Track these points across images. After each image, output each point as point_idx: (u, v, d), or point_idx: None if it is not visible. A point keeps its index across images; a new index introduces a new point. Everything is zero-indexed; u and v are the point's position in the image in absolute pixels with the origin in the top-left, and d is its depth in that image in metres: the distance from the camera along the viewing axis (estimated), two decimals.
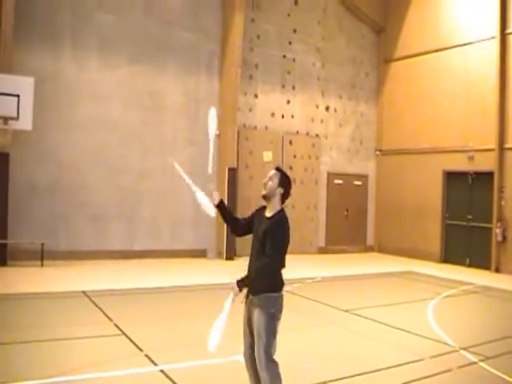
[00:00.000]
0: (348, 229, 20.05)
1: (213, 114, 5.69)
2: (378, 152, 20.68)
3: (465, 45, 17.40)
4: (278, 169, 5.09)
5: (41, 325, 8.20)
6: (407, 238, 19.12)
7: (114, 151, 15.26)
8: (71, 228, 14.60)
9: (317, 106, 19.27)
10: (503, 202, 16.18)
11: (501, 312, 11.16)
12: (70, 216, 14.60)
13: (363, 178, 20.58)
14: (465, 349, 7.80)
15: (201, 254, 16.25)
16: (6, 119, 12.67)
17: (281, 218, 4.87)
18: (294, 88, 18.68)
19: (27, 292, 10.49)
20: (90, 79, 14.95)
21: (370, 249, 20.52)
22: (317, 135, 19.26)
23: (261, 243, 4.80)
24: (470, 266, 16.99)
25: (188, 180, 5.37)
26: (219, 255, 16.51)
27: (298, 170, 18.56)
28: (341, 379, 6.36)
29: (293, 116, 18.66)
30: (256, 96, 17.84)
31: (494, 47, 16.40)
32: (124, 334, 7.84)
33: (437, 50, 18.35)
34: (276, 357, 4.78)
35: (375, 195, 20.73)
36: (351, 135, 20.23)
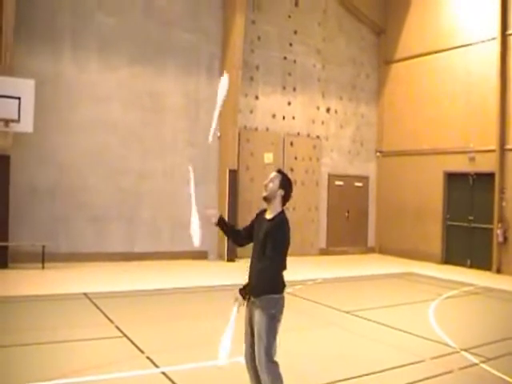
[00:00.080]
0: (349, 230, 20.04)
1: (224, 82, 5.75)
2: (378, 153, 20.68)
3: (465, 46, 17.39)
4: (279, 171, 5.10)
5: (41, 327, 8.19)
6: (408, 239, 19.11)
7: (114, 152, 15.26)
8: (72, 230, 14.60)
9: (317, 108, 19.28)
10: (504, 203, 16.17)
11: (502, 313, 11.15)
12: (71, 218, 14.60)
13: (364, 179, 20.57)
14: (466, 350, 7.79)
15: (202, 255, 16.23)
16: (7, 121, 12.69)
17: (281, 220, 4.88)
18: (294, 89, 18.68)
19: (28, 294, 10.49)
20: (90, 80, 14.96)
21: (370, 250, 20.51)
22: (317, 137, 19.26)
23: (262, 245, 4.80)
24: (471, 267, 16.98)
25: (193, 196, 5.29)
26: (220, 257, 16.50)
27: (299, 172, 18.56)
28: (342, 380, 6.36)
29: (294, 117, 18.66)
30: (257, 97, 17.84)
31: (494, 48, 16.39)
32: (125, 335, 7.84)
33: (437, 51, 18.34)
34: (277, 358, 4.78)
35: (376, 196, 20.72)
36: (352, 137, 20.23)
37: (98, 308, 9.56)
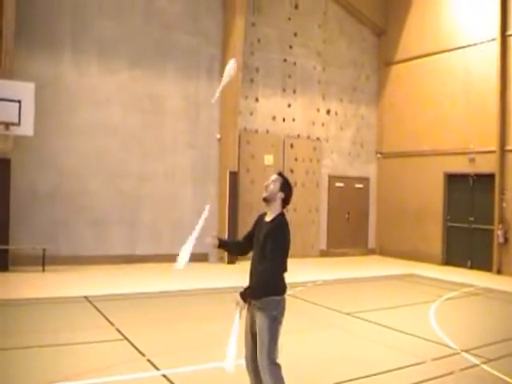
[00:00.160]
0: (349, 232, 20.05)
1: (232, 65, 5.94)
2: (378, 155, 20.68)
3: (465, 47, 17.40)
4: (280, 174, 5.11)
5: (43, 330, 8.20)
6: (409, 240, 19.11)
7: (114, 156, 15.27)
8: (72, 233, 14.61)
9: (318, 110, 19.29)
10: (504, 204, 16.17)
11: (502, 314, 11.15)
12: (71, 221, 14.61)
13: (364, 180, 20.58)
14: (467, 351, 7.79)
15: (202, 258, 16.21)
16: (7, 125, 12.71)
17: (281, 222, 4.89)
18: (294, 92, 18.70)
19: (29, 297, 10.50)
20: (90, 84, 14.98)
21: (371, 252, 20.50)
22: (318, 138, 19.27)
23: (262, 247, 4.80)
24: (471, 268, 16.98)
25: (199, 226, 5.26)
26: (221, 259, 16.50)
27: (300, 174, 18.57)
28: (342, 382, 6.36)
29: (294, 119, 18.68)
30: (257, 100, 17.86)
31: (494, 49, 16.40)
32: (126, 338, 7.84)
33: (437, 53, 18.35)
34: (278, 360, 4.78)
35: (376, 198, 20.73)
36: (352, 138, 20.24)
37: (98, 311, 9.57)
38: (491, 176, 16.42)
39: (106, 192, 15.11)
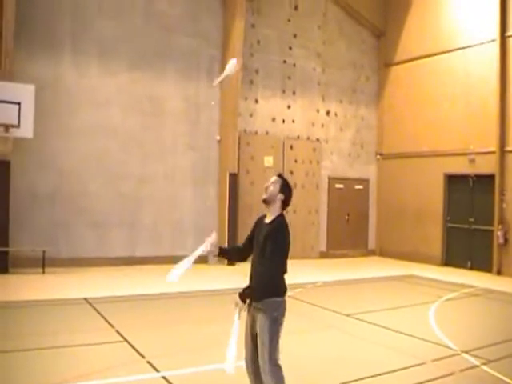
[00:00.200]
0: (349, 233, 20.04)
1: (231, 64, 6.19)
2: (378, 156, 20.69)
3: (465, 48, 17.41)
4: (279, 175, 5.11)
5: (42, 332, 8.20)
6: (408, 241, 19.10)
7: (114, 157, 15.27)
8: (72, 235, 14.61)
9: (317, 111, 19.29)
10: (504, 205, 16.17)
11: (502, 315, 11.14)
12: (71, 223, 14.61)
13: (364, 182, 20.58)
14: (467, 352, 7.79)
15: (202, 259, 16.16)
16: (7, 127, 12.71)
17: (281, 223, 4.89)
18: (294, 93, 18.70)
19: (29, 299, 10.50)
20: (90, 85, 14.98)
21: (371, 253, 20.50)
22: (317, 140, 19.27)
23: (262, 249, 4.80)
24: (471, 268, 16.98)
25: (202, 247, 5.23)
26: (220, 261, 16.46)
27: (299, 175, 18.57)
28: (342, 383, 6.37)
29: (293, 121, 18.68)
30: (256, 101, 17.86)
31: (494, 50, 16.41)
32: (126, 340, 7.85)
33: (437, 54, 18.36)
34: (279, 361, 4.78)
35: (376, 199, 20.73)
36: (352, 139, 20.25)
37: (98, 313, 9.57)
38: (491, 177, 16.42)
39: (105, 194, 15.11)
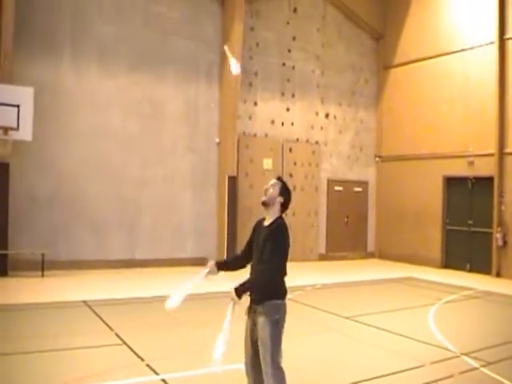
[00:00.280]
0: (348, 235, 20.05)
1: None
2: (377, 158, 20.70)
3: (463, 50, 17.44)
4: (279, 178, 5.11)
5: (42, 335, 8.19)
6: (408, 243, 19.10)
7: (113, 160, 15.27)
8: (71, 238, 14.60)
9: (316, 113, 19.31)
10: (503, 207, 16.18)
11: (502, 317, 11.13)
12: (70, 226, 14.60)
13: (363, 184, 20.59)
14: (466, 354, 7.79)
15: (201, 262, 16.18)
16: (6, 129, 12.69)
17: (280, 225, 4.87)
18: (293, 95, 18.71)
19: (28, 302, 10.49)
20: (90, 87, 14.98)
21: (370, 255, 20.50)
22: (317, 142, 19.28)
23: (261, 251, 4.78)
24: (470, 271, 16.98)
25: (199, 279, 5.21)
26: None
27: (299, 178, 18.57)
28: None
29: (292, 123, 18.69)
30: (256, 104, 17.87)
31: (492, 52, 16.44)
32: (125, 343, 7.84)
33: (435, 56, 18.39)
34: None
35: (375, 201, 20.73)
36: (351, 142, 20.26)
37: (97, 315, 9.56)
38: (490, 179, 16.43)
39: (105, 196, 15.11)
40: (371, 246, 20.67)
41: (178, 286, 5.01)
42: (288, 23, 18.59)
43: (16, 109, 12.72)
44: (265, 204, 4.97)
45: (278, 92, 18.37)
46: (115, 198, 15.27)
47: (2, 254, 13.15)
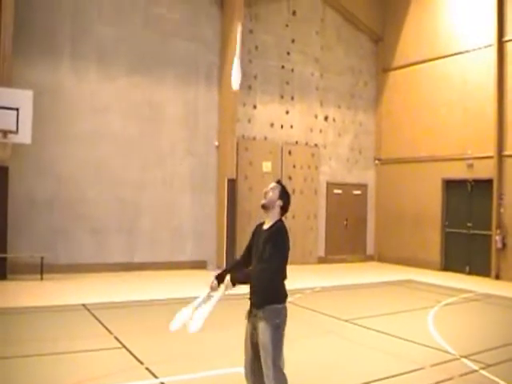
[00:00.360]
0: (348, 238, 20.04)
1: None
2: (377, 161, 20.71)
3: (462, 53, 17.46)
4: (278, 182, 5.10)
5: (42, 338, 8.19)
6: (407, 246, 19.11)
7: (112, 163, 15.27)
8: (70, 241, 14.59)
9: (315, 116, 19.32)
10: (502, 210, 16.19)
11: (501, 319, 11.12)
12: (70, 229, 14.59)
13: (362, 187, 20.59)
14: (466, 357, 7.78)
15: (201, 265, 16.24)
16: (5, 133, 12.69)
17: (280, 228, 4.86)
18: (292, 98, 18.72)
19: (27, 306, 10.48)
20: (89, 90, 14.98)
21: (369, 258, 20.49)
22: (316, 145, 19.29)
23: (261, 254, 4.77)
24: (470, 273, 16.99)
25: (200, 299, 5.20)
26: (219, 267, 16.43)
27: (298, 180, 18.58)
28: None
29: (292, 126, 18.70)
30: (255, 107, 17.88)
31: (491, 55, 16.46)
32: (124, 346, 7.83)
33: (434, 59, 18.41)
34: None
35: (375, 204, 20.73)
36: (350, 145, 20.26)
37: (96, 319, 9.55)
38: (489, 181, 16.45)
39: (104, 199, 15.10)
40: (370, 248, 20.67)
41: (198, 309, 5.06)
42: (287, 26, 18.61)
43: (15, 112, 12.72)
44: (264, 207, 4.96)
45: (277, 95, 18.37)
46: (114, 201, 15.26)
47: (1, 258, 13.14)
